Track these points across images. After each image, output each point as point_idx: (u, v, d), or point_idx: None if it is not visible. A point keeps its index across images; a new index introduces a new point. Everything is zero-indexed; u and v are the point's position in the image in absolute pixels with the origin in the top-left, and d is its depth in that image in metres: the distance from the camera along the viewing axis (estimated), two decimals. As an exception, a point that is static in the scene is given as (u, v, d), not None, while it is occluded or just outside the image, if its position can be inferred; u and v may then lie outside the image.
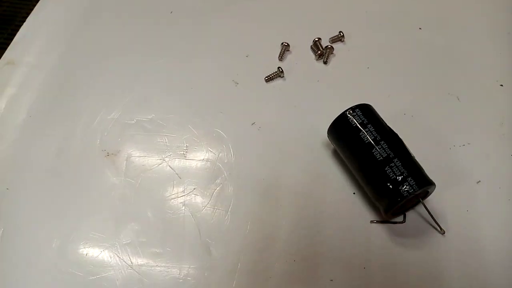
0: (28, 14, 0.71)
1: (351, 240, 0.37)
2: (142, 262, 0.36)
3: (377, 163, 0.36)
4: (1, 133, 0.45)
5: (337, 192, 0.40)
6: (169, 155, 0.43)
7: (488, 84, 0.48)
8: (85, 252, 0.37)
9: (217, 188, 0.41)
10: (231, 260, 0.36)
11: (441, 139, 0.43)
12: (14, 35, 0.63)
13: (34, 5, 0.63)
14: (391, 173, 0.35)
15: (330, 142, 0.41)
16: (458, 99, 0.46)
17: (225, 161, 0.42)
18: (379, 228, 0.38)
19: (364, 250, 0.37)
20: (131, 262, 0.36)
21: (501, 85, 0.47)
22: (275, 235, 0.38)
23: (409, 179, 0.35)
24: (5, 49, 0.62)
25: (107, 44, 0.54)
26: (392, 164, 0.35)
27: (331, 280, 0.35)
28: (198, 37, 0.54)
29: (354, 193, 0.40)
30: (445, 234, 0.37)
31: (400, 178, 0.35)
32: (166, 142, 0.44)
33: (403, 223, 0.38)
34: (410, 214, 0.38)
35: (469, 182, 0.40)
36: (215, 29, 0.55)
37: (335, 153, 0.42)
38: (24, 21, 0.64)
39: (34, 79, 0.51)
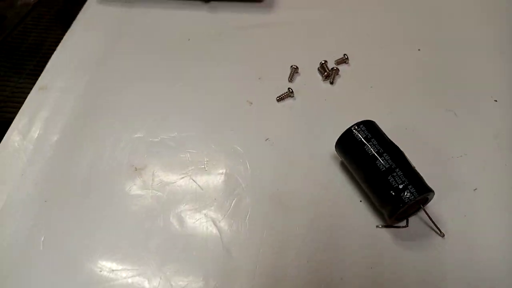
0: (52, 43, 0.77)
1: (359, 243, 0.41)
2: (170, 265, 0.40)
3: (381, 173, 0.39)
4: (38, 151, 0.49)
5: (345, 200, 0.44)
6: (191, 169, 0.47)
7: (483, 100, 0.51)
8: (118, 257, 0.41)
9: (235, 199, 0.44)
10: (250, 262, 0.40)
11: (440, 151, 0.46)
12: (42, 62, 0.68)
13: (58, 35, 0.69)
14: (394, 182, 0.39)
15: (337, 155, 0.45)
16: (455, 114, 0.50)
17: (242, 174, 0.46)
18: (384, 232, 0.41)
19: (371, 252, 0.40)
20: (161, 265, 0.40)
21: (495, 101, 0.51)
22: (290, 240, 0.41)
23: (410, 187, 0.38)
24: (35, 75, 0.67)
25: (129, 70, 0.58)
26: (394, 174, 0.39)
27: (341, 279, 0.38)
28: (214, 62, 0.58)
29: (360, 201, 0.43)
30: (444, 237, 0.40)
31: (401, 186, 0.38)
32: (188, 157, 0.48)
33: (406, 227, 0.41)
34: (413, 219, 0.41)
35: (466, 189, 0.43)
36: (230, 54, 0.59)
37: (343, 165, 0.46)
38: (50, 49, 0.70)
39: (65, 103, 0.55)
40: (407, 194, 0.38)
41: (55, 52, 0.62)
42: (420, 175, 0.40)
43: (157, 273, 0.40)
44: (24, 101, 0.57)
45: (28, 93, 0.58)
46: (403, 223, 0.41)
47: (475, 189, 0.44)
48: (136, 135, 0.50)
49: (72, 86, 0.57)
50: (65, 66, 0.60)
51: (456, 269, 0.39)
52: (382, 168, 0.39)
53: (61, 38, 0.67)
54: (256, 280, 0.39)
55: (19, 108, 0.56)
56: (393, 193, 0.38)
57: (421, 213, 0.42)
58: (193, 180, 0.46)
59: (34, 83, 0.60)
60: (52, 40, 0.81)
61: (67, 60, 0.61)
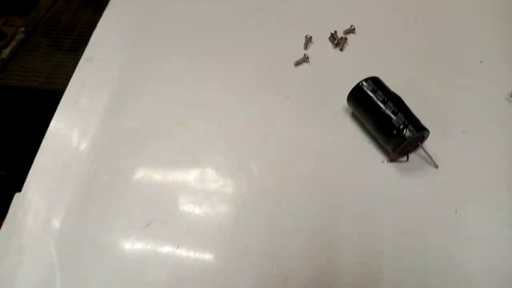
0: (85, 22, 0.85)
1: (368, 176, 0.50)
2: (214, 195, 0.49)
3: (385, 117, 0.48)
4: (93, 111, 0.58)
5: (356, 142, 0.53)
6: (226, 121, 0.56)
7: (470, 61, 0.60)
8: (169, 186, 0.50)
9: (264, 144, 0.53)
10: (279, 193, 0.49)
11: (434, 100, 0.55)
12: (78, 39, 0.76)
13: (89, 14, 0.77)
14: (396, 123, 0.47)
15: (349, 107, 0.54)
16: (447, 73, 0.59)
17: (268, 124, 0.55)
18: (389, 166, 0.50)
19: (377, 182, 0.49)
20: (206, 196, 0.49)
21: (481, 62, 0.60)
22: (310, 175, 0.51)
23: (410, 126, 0.47)
24: (73, 50, 0.75)
25: (164, 42, 0.66)
26: (397, 117, 0.48)
27: (354, 202, 0.48)
28: (240, 35, 0.67)
29: (369, 142, 0.52)
30: (438, 168, 0.50)
31: (402, 126, 0.47)
32: (223, 112, 0.57)
33: (407, 161, 0.50)
34: (412, 156, 0.51)
35: (456, 131, 0.53)
36: (253, 28, 0.68)
37: (353, 115, 0.55)
38: (83, 28, 0.77)
39: (110, 71, 0.63)
40: (407, 132, 0.47)
41: (96, 29, 0.69)
42: (417, 117, 0.49)
43: (204, 200, 0.49)
44: (68, 73, 0.65)
45: (70, 66, 0.66)
46: (404, 158, 0.50)
47: (464, 131, 0.53)
48: (176, 95, 0.59)
49: (114, 57, 0.65)
50: (106, 41, 0.68)
51: (447, 193, 0.48)
52: (387, 113, 0.48)
53: (92, 17, 0.74)
54: (284, 205, 0.48)
55: (64, 79, 0.64)
56: (395, 132, 0.47)
57: (419, 151, 0.51)
58: (229, 130, 0.55)
59: (73, 58, 0.67)
60: (84, 19, 0.89)
61: (108, 35, 0.68)
